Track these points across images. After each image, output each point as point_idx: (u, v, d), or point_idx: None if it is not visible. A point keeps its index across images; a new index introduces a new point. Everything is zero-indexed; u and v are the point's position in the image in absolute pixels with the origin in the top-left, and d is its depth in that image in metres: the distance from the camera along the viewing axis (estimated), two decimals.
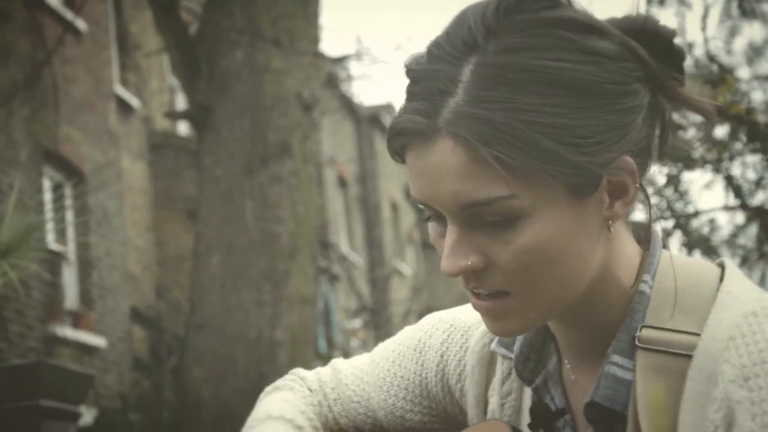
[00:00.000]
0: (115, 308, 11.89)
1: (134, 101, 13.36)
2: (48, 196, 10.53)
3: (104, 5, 12.42)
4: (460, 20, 1.12)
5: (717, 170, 6.13)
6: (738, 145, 6.03)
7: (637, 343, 1.14)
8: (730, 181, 6.20)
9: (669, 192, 6.08)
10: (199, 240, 7.65)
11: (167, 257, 13.93)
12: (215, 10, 7.72)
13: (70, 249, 11.19)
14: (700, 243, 6.24)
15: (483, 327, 1.32)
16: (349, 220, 23.15)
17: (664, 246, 1.24)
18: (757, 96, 6.45)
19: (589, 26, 1.11)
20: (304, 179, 7.70)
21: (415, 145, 1.11)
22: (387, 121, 24.68)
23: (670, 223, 6.14)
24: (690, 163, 5.94)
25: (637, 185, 1.14)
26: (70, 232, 11.18)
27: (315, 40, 8.03)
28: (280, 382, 1.47)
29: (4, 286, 3.76)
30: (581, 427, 1.22)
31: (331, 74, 18.94)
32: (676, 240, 6.24)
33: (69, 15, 10.67)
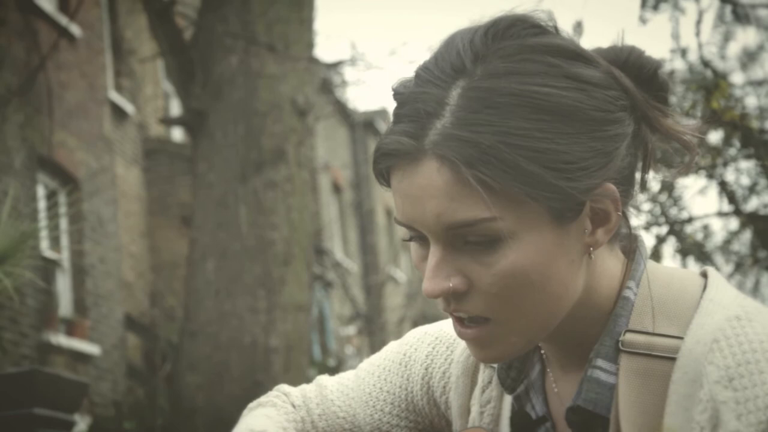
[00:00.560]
0: (109, 315, 11.87)
1: (128, 107, 13.35)
2: (42, 204, 10.52)
3: (99, 11, 12.41)
4: (449, 45, 1.14)
5: (711, 176, 6.13)
6: (732, 151, 6.04)
7: (620, 347, 1.15)
8: (724, 186, 6.21)
9: (663, 198, 6.08)
10: (193, 246, 7.64)
11: (161, 264, 13.91)
12: (210, 15, 7.72)
13: (65, 256, 11.17)
14: (694, 249, 6.24)
15: None
16: (344, 226, 23.15)
17: (658, 258, 1.25)
18: (750, 101, 6.45)
19: (575, 54, 1.13)
20: (298, 185, 7.70)
21: (401, 167, 1.12)
22: (382, 126, 24.70)
23: (664, 229, 6.14)
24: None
25: (620, 213, 1.15)
26: (65, 240, 11.16)
27: (309, 45, 8.04)
28: (263, 398, 1.46)
29: None
30: None
31: (325, 80, 18.95)
32: (670, 246, 6.24)
33: (63, 20, 10.66)
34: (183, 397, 7.40)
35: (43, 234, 9.30)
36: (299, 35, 7.81)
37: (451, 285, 1.12)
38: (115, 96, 12.91)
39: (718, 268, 7.15)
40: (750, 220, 6.48)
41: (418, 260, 1.17)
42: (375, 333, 21.60)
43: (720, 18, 7.19)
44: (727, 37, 7.41)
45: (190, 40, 7.83)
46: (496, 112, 1.08)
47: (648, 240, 6.10)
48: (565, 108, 1.09)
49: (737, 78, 9.94)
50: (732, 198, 6.30)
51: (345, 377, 1.47)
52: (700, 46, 6.52)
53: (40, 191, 10.71)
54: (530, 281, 1.11)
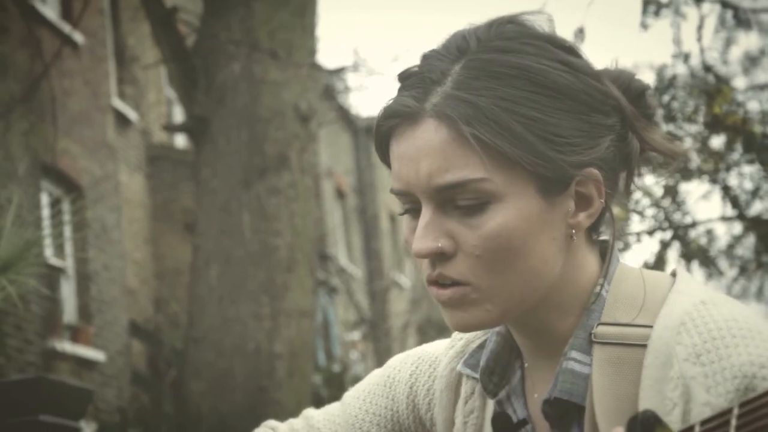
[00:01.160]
0: (114, 322, 11.88)
1: (132, 114, 13.38)
2: (46, 211, 10.53)
3: (102, 18, 12.44)
4: (455, 34, 1.23)
5: (714, 181, 6.13)
6: (735, 156, 6.04)
7: (593, 338, 1.19)
8: (727, 191, 6.21)
9: (666, 203, 6.08)
10: (196, 252, 7.65)
11: (165, 270, 13.93)
12: (212, 22, 7.74)
13: (69, 263, 11.19)
14: (698, 254, 6.24)
15: (451, 352, 1.37)
16: (348, 232, 23.15)
17: (663, 263, 1.29)
18: (753, 106, 6.46)
19: (570, 47, 1.21)
20: (301, 191, 7.71)
21: (401, 129, 1.19)
22: None
23: (668, 234, 6.14)
24: (687, 174, 5.95)
25: (602, 200, 1.20)
26: (69, 247, 11.17)
27: (312, 51, 8.05)
28: None
29: (3, 301, 3.76)
30: None
31: (328, 86, 18.97)
32: (674, 251, 6.24)
33: (66, 28, 10.69)
34: (187, 403, 7.41)
35: (47, 241, 9.31)
36: (302, 42, 7.83)
37: (439, 245, 1.17)
38: (118, 103, 12.93)
39: (722, 273, 7.15)
40: (753, 224, 6.48)
41: (408, 232, 1.22)
42: (379, 338, 21.60)
43: (721, 23, 7.19)
44: (728, 42, 7.41)
45: (193, 47, 7.85)
46: (494, 80, 1.16)
47: (652, 245, 6.11)
48: (557, 85, 1.17)
49: (739, 83, 9.95)
50: (735, 202, 6.31)
51: (331, 407, 1.50)
52: (701, 51, 6.52)
53: (44, 199, 10.73)
54: (512, 246, 1.16)
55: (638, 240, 5.89)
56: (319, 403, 1.94)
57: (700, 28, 6.56)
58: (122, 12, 13.40)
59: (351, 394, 1.47)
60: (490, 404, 1.31)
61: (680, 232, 6.18)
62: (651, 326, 1.17)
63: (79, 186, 11.23)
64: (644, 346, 1.16)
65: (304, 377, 7.62)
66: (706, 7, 6.76)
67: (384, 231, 24.50)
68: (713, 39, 7.36)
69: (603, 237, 1.28)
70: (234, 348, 7.36)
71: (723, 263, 7.32)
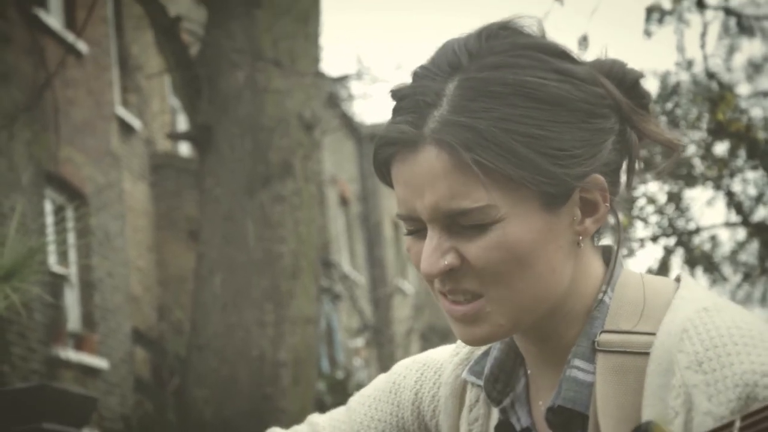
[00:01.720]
0: (117, 330, 11.88)
1: (135, 122, 13.39)
2: (50, 219, 10.54)
3: (105, 27, 12.46)
4: (444, 47, 1.21)
5: (718, 187, 6.13)
6: (738, 162, 6.04)
7: (596, 346, 1.19)
8: (731, 197, 6.21)
9: (670, 209, 6.08)
10: (200, 260, 7.65)
11: (169, 278, 13.93)
12: (216, 31, 7.75)
13: (72, 271, 11.20)
14: (702, 260, 6.24)
15: (456, 359, 1.37)
16: (351, 239, 23.15)
17: (667, 269, 1.28)
18: (756, 112, 6.46)
19: (562, 52, 1.20)
20: (305, 199, 7.72)
21: (401, 155, 1.18)
22: None
23: (672, 240, 6.14)
24: (691, 181, 5.95)
25: (607, 204, 1.20)
26: (72, 255, 11.18)
27: (315, 60, 8.06)
28: None
29: (7, 309, 3.76)
30: None
31: (331, 94, 18.99)
32: (678, 257, 6.24)
33: (70, 37, 10.71)
34: (191, 411, 7.41)
35: (51, 249, 9.32)
36: (305, 50, 7.84)
37: (446, 263, 1.17)
38: (122, 112, 12.95)
39: (726, 279, 7.14)
40: (757, 230, 6.48)
41: (415, 254, 1.22)
42: (383, 345, 21.59)
43: (725, 30, 7.20)
44: (732, 49, 7.42)
45: (197, 55, 7.86)
46: (491, 99, 1.14)
47: (656, 251, 6.10)
48: (555, 98, 1.15)
49: (743, 89, 9.94)
50: (739, 208, 6.31)
51: (336, 412, 1.49)
52: (705, 58, 6.52)
53: (48, 207, 10.74)
54: (517, 257, 1.16)
55: (642, 246, 5.89)
56: (322, 409, 1.94)
57: (703, 35, 6.57)
58: (126, 21, 13.42)
59: (356, 400, 1.47)
60: (495, 412, 1.31)
61: (684, 238, 6.18)
62: (654, 333, 1.16)
63: (82, 194, 11.24)
64: (647, 354, 1.15)
65: (309, 384, 7.62)
66: (709, 14, 6.77)
67: (387, 238, 24.49)
68: (717, 46, 7.37)
69: (605, 242, 1.28)
70: (238, 355, 7.36)
71: (727, 269, 7.32)
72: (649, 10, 6.34)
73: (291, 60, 7.69)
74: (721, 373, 1.09)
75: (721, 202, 6.30)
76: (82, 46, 11.24)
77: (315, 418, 1.49)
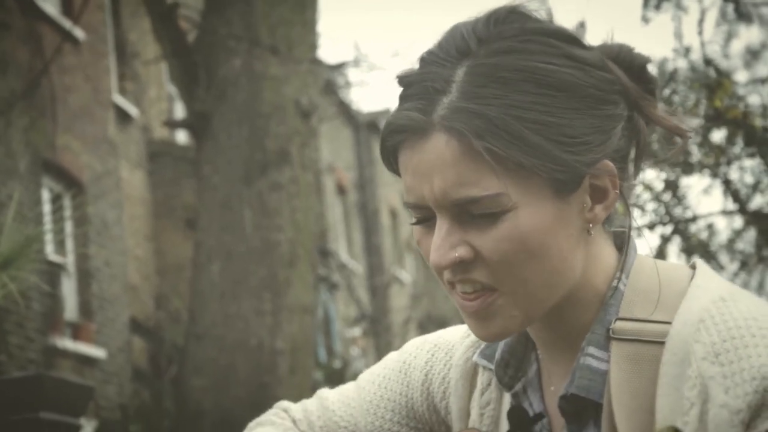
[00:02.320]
0: (115, 319, 11.88)
1: (133, 110, 13.37)
2: (47, 207, 10.53)
3: (102, 14, 12.43)
4: (452, 32, 1.19)
5: (715, 175, 6.13)
6: (735, 150, 6.03)
7: (611, 334, 1.18)
8: (728, 185, 6.20)
9: (667, 197, 6.08)
10: (198, 249, 7.65)
11: (167, 266, 13.93)
12: (213, 18, 7.73)
13: (70, 260, 11.19)
14: (698, 248, 6.24)
15: (467, 341, 1.36)
16: (348, 228, 23.15)
17: (664, 258, 1.27)
18: (754, 100, 6.45)
19: (571, 37, 1.18)
20: (303, 187, 7.71)
21: (409, 143, 1.16)
22: None
23: (668, 229, 6.14)
24: (688, 168, 5.95)
25: (617, 191, 1.19)
26: (69, 243, 11.17)
27: (313, 47, 8.05)
28: (263, 416, 1.48)
29: (4, 298, 3.76)
30: (557, 430, 1.24)
31: (329, 81, 18.95)
32: (674, 245, 6.24)
33: (67, 24, 10.68)
34: (189, 400, 7.41)
35: (48, 238, 9.32)
36: (302, 37, 7.82)
37: (457, 255, 1.15)
38: (119, 99, 12.93)
39: (723, 267, 7.15)
40: (754, 218, 6.47)
41: (423, 244, 1.20)
42: (380, 334, 21.60)
43: (722, 16, 7.19)
44: (729, 36, 7.41)
45: (194, 42, 7.84)
46: (501, 86, 1.13)
47: (653, 239, 6.10)
48: (566, 84, 1.14)
49: (740, 76, 9.93)
50: (736, 196, 6.30)
51: (346, 388, 1.48)
52: (702, 44, 6.51)
53: (45, 195, 10.73)
54: (530, 248, 1.14)
55: (639, 234, 5.89)
56: None
57: (701, 21, 6.55)
58: (123, 8, 13.40)
59: (366, 378, 1.46)
60: (507, 396, 1.30)
61: (681, 227, 6.18)
62: (670, 322, 1.15)
63: (80, 182, 11.22)
64: (662, 342, 1.15)
65: (306, 373, 7.62)
66: (707, 0, 6.75)
67: (385, 226, 24.49)
68: (714, 33, 7.36)
69: (616, 228, 1.26)
70: (235, 344, 7.37)
71: (724, 257, 7.32)
72: None
73: (288, 47, 7.68)
74: (738, 365, 1.08)
75: (718, 190, 6.29)
76: (78, 33, 11.22)
77: (325, 393, 1.49)
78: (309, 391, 7.60)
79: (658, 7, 6.38)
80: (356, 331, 20.88)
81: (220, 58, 7.63)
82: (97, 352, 11.16)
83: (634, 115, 1.21)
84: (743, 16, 7.15)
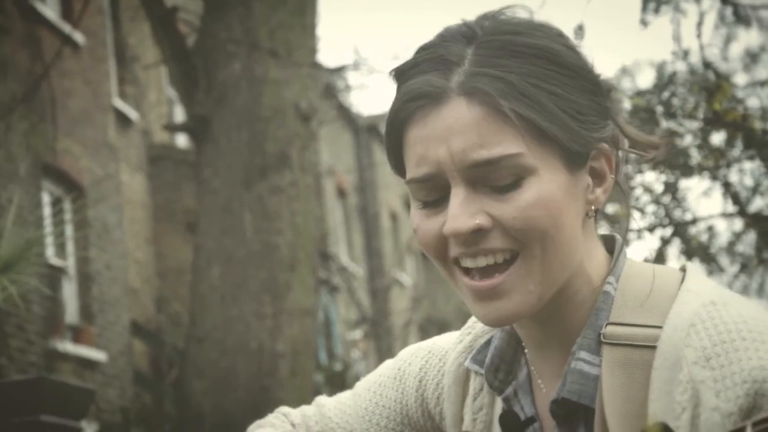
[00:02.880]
0: (116, 322, 11.89)
1: (133, 114, 13.38)
2: (47, 211, 10.54)
3: (102, 18, 12.44)
4: (449, 29, 1.21)
5: (714, 177, 6.13)
6: (735, 152, 6.03)
7: (602, 339, 1.18)
8: (727, 187, 6.20)
9: (667, 199, 6.08)
10: (198, 252, 7.65)
11: (167, 270, 13.93)
12: (213, 22, 7.74)
13: (70, 263, 11.19)
14: (698, 250, 6.24)
15: (459, 348, 1.36)
16: (349, 231, 23.15)
17: (664, 260, 1.29)
18: (753, 102, 6.45)
19: (564, 35, 1.22)
20: (303, 190, 7.71)
21: (424, 111, 1.16)
22: None
23: (668, 231, 6.15)
24: (687, 171, 5.95)
25: (613, 176, 1.21)
26: (70, 247, 11.18)
27: (312, 50, 8.05)
28: (262, 420, 1.50)
29: (4, 301, 3.76)
30: None
31: (329, 84, 18.96)
32: (674, 248, 6.24)
33: (67, 28, 10.69)
34: (190, 403, 7.42)
35: (49, 241, 9.32)
36: (302, 41, 7.83)
37: (477, 222, 1.15)
38: (119, 103, 12.94)
39: (723, 270, 7.15)
40: (754, 220, 6.48)
41: (421, 221, 1.19)
42: (381, 337, 21.60)
43: (721, 19, 7.19)
44: (728, 39, 7.41)
45: (194, 46, 7.85)
46: (515, 58, 1.16)
47: (652, 242, 6.11)
48: (572, 65, 1.18)
49: (739, 79, 9.92)
50: (736, 199, 6.30)
51: (343, 396, 1.50)
52: (701, 47, 6.51)
53: (45, 198, 10.74)
54: (550, 216, 1.15)
55: (639, 237, 5.89)
56: None
57: (699, 24, 6.55)
58: (122, 12, 13.41)
59: (363, 385, 1.47)
60: (499, 400, 1.30)
61: (680, 229, 6.18)
62: (660, 326, 1.16)
63: (80, 186, 11.23)
64: (654, 347, 1.15)
65: (306, 376, 7.62)
66: (705, 3, 6.78)
67: (385, 229, 24.49)
68: (713, 35, 7.36)
69: (605, 233, 1.28)
70: (236, 347, 7.37)
71: (724, 260, 7.32)
72: (645, 0, 6.33)
73: (288, 51, 7.68)
74: (729, 369, 1.08)
75: (717, 192, 6.29)
76: (78, 37, 11.23)
77: (323, 400, 1.50)
78: (310, 394, 7.61)
79: (656, 10, 6.38)
80: (357, 334, 20.88)
81: (220, 62, 7.63)
82: (97, 355, 11.16)
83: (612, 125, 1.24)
84: (742, 19, 7.16)
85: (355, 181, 23.84)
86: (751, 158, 6.04)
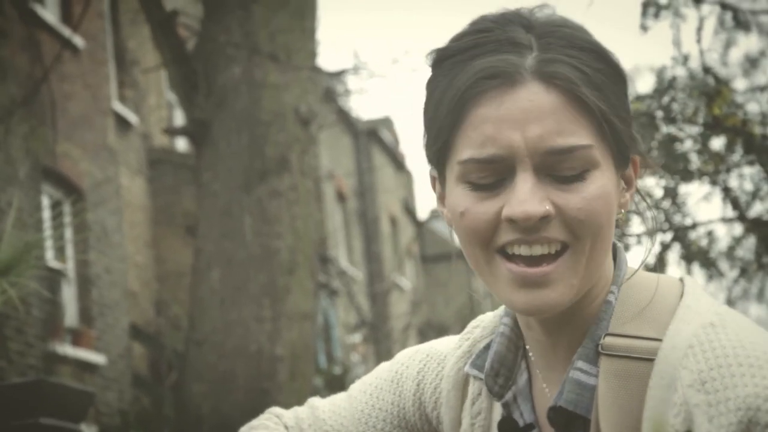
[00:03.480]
0: (115, 325, 11.88)
1: (132, 117, 13.38)
2: (47, 214, 10.54)
3: (102, 22, 12.45)
4: (497, 13, 1.19)
5: (714, 182, 6.13)
6: (735, 157, 6.04)
7: (600, 350, 1.17)
8: (727, 192, 6.20)
9: (666, 204, 6.08)
10: (198, 255, 7.65)
11: (167, 273, 13.93)
12: (212, 25, 7.74)
13: (70, 266, 11.19)
14: (698, 255, 6.24)
15: (458, 352, 1.35)
16: (348, 235, 23.15)
17: (664, 265, 1.30)
18: (753, 107, 6.45)
19: None
20: (302, 194, 7.71)
21: (497, 91, 1.13)
22: (385, 134, 24.71)
23: (668, 236, 6.15)
24: (687, 176, 5.95)
25: (636, 185, 1.23)
26: (69, 250, 11.17)
27: (312, 54, 8.05)
28: (255, 421, 1.47)
29: (4, 304, 3.76)
30: None
31: (328, 88, 18.97)
32: (674, 252, 6.25)
33: (66, 32, 10.70)
34: (189, 406, 7.41)
35: (48, 244, 9.32)
36: (302, 45, 7.84)
37: (547, 208, 1.13)
38: (118, 106, 12.94)
39: (722, 274, 7.15)
40: (754, 225, 6.48)
41: (471, 204, 1.15)
42: (380, 341, 21.60)
43: (721, 24, 7.19)
44: (728, 44, 7.41)
45: (193, 50, 7.85)
46: (580, 51, 1.14)
47: (652, 247, 6.11)
48: (617, 68, 1.18)
49: (739, 84, 9.94)
50: (736, 204, 6.30)
51: (337, 398, 1.48)
52: (701, 52, 6.52)
53: (45, 202, 10.73)
54: (608, 211, 1.16)
55: (638, 242, 5.89)
56: None
57: (699, 29, 6.56)
58: (122, 15, 13.41)
59: (358, 387, 1.46)
60: (498, 406, 1.30)
61: (680, 234, 6.18)
62: (659, 339, 1.15)
63: (79, 189, 11.23)
64: (651, 360, 1.14)
65: (306, 380, 7.62)
66: (705, 8, 6.77)
67: (384, 234, 24.49)
68: (713, 41, 7.37)
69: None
70: (235, 350, 7.37)
71: (723, 265, 7.31)
72: (645, 5, 6.34)
73: (287, 55, 7.69)
74: (723, 394, 1.07)
75: (717, 197, 6.29)
76: (78, 41, 11.23)
77: (316, 402, 1.48)
78: (309, 398, 7.60)
79: (656, 15, 6.39)
80: (356, 338, 20.88)
81: (220, 66, 7.64)
82: (97, 358, 11.16)
83: None
84: (741, 24, 7.16)
85: (354, 185, 23.84)
86: (750, 163, 6.05)
